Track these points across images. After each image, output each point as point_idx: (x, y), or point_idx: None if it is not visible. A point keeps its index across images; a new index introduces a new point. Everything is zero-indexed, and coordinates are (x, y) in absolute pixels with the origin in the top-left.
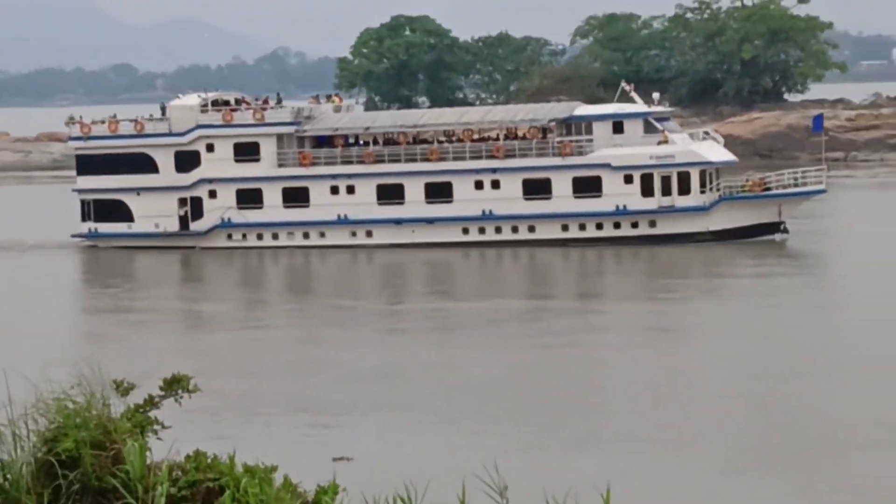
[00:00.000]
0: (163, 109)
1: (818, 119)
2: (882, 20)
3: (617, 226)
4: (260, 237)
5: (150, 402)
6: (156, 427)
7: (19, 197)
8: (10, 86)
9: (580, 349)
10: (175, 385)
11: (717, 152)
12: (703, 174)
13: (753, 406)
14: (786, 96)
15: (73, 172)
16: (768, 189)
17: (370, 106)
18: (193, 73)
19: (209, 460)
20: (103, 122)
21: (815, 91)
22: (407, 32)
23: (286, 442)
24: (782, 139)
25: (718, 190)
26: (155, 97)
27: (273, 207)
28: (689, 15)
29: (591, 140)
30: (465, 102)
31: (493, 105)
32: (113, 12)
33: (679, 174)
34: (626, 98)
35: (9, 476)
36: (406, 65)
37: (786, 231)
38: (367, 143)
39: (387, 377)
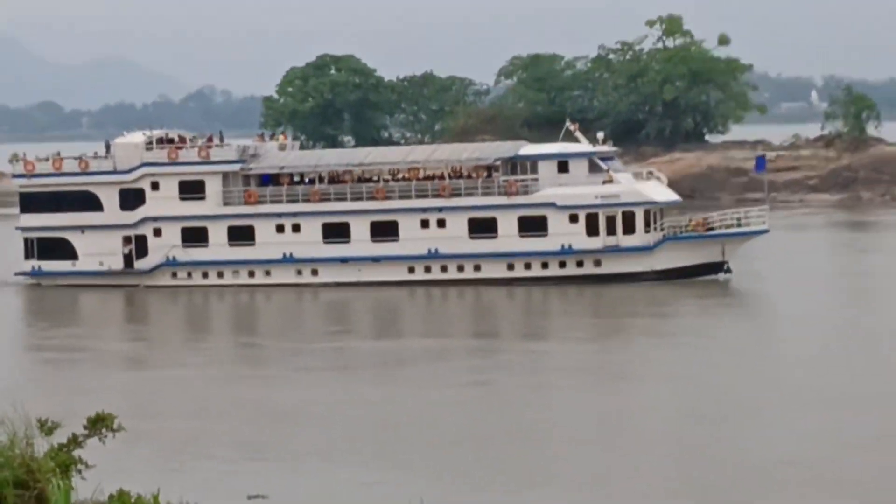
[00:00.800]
0: (107, 147)
1: (761, 160)
2: (801, 63)
3: (562, 265)
4: (205, 275)
5: (75, 442)
6: (80, 466)
7: None
8: None
9: (520, 389)
10: (99, 424)
11: (661, 192)
12: (647, 214)
13: (678, 446)
14: (707, 137)
15: (11, 210)
16: (712, 229)
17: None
18: (119, 111)
19: (132, 499)
20: (47, 159)
21: (736, 132)
22: (332, 71)
23: (206, 479)
24: (703, 180)
25: (663, 229)
26: (80, 135)
27: (218, 246)
28: (611, 56)
29: (536, 179)
30: (390, 141)
31: (418, 144)
32: (38, 50)
33: (624, 214)
34: (570, 137)
35: None
36: (331, 104)
37: (729, 271)
38: (312, 182)
39: (315, 416)
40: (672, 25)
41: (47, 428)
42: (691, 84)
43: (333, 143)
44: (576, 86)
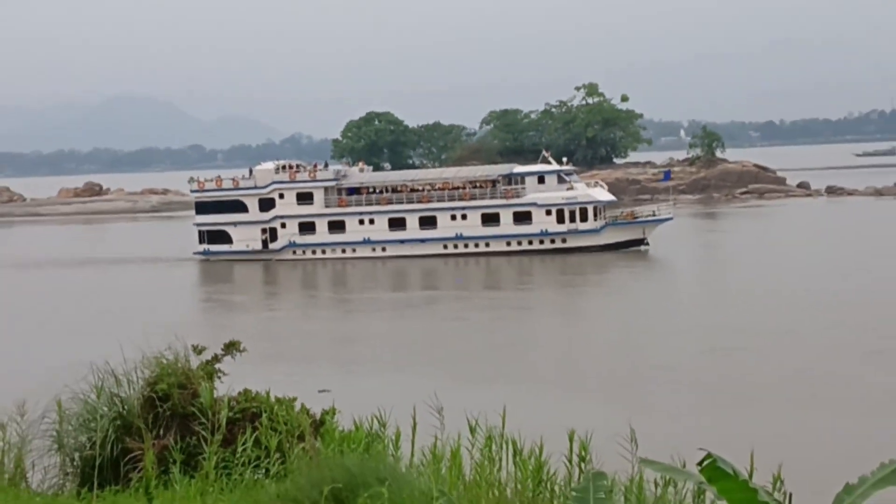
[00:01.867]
0: (250, 172)
1: (667, 173)
2: (674, 111)
3: (541, 242)
4: (314, 252)
5: (215, 359)
6: (219, 374)
7: (135, 231)
8: (122, 159)
9: (514, 316)
10: (231, 348)
11: (604, 195)
12: (596, 209)
13: (604, 357)
14: (615, 160)
15: (189, 212)
16: (636, 217)
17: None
18: (241, 150)
19: (253, 395)
20: (211, 181)
21: (633, 156)
22: (376, 122)
23: (291, 381)
24: (613, 188)
25: (605, 219)
26: (216, 166)
27: (322, 233)
28: (553, 109)
29: (524, 188)
30: (413, 166)
31: (432, 168)
32: (187, 109)
33: (581, 208)
34: (545, 160)
35: (125, 406)
36: (375, 143)
37: (647, 244)
38: (381, 192)
39: (373, 337)
40: (591, 89)
41: (198, 350)
42: (604, 126)
43: (377, 168)
44: (531, 128)
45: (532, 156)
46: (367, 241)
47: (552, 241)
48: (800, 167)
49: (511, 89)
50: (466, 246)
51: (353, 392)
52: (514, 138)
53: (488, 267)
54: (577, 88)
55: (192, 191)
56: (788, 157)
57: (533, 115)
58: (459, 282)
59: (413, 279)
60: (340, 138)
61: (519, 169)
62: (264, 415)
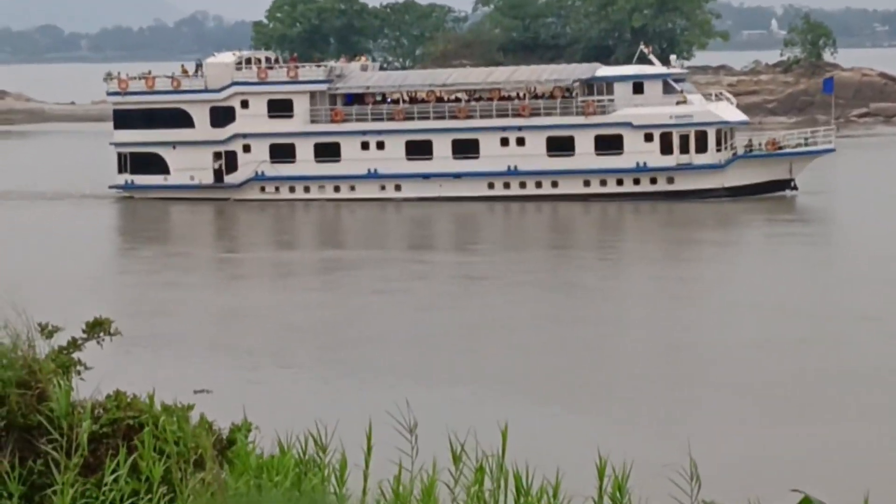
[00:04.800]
0: (197, 67)
1: (828, 81)
2: None
3: (636, 182)
4: (292, 190)
5: (74, 345)
6: (79, 368)
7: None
8: None
9: (597, 301)
10: (97, 328)
11: (731, 112)
12: (719, 133)
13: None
14: (674, 62)
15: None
16: (781, 147)
17: None
18: (116, 34)
19: (129, 399)
20: (140, 78)
21: (700, 58)
22: None
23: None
24: None
25: (733, 148)
26: (79, 57)
27: (305, 162)
28: None
29: (612, 100)
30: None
31: (400, 69)
32: None
33: (697, 133)
34: (643, 58)
35: None
36: (318, 29)
37: (795, 188)
38: (395, 101)
39: (345, 325)
40: None
41: (48, 331)
42: (658, 12)
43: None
44: (549, 12)
45: (550, 53)
46: (372, 175)
47: (653, 182)
48: None
49: None
50: (523, 185)
51: (285, 398)
52: (524, 27)
53: (555, 217)
54: None
55: (110, 93)
56: None
57: None
58: None
59: (440, 234)
60: (266, 20)
61: (605, 71)
62: (146, 430)
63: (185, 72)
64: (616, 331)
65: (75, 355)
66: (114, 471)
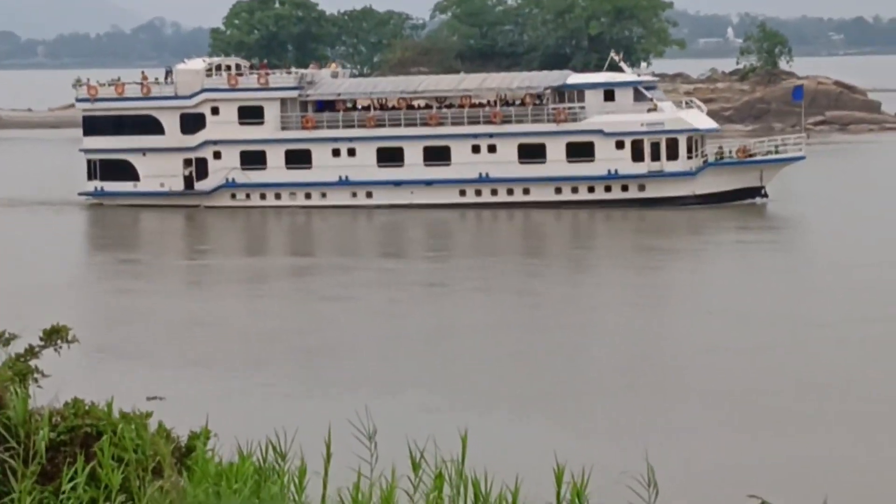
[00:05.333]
0: (167, 73)
1: (798, 89)
2: (718, 0)
3: (608, 189)
4: (263, 197)
5: (31, 352)
6: (36, 375)
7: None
8: None
9: (565, 308)
10: (54, 335)
11: (701, 120)
12: (690, 140)
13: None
14: (629, 70)
15: (73, 132)
16: (751, 155)
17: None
18: (73, 41)
19: (87, 408)
20: (110, 84)
21: (657, 66)
22: (276, 5)
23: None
24: None
25: (704, 156)
26: (36, 63)
27: (276, 168)
28: None
29: (583, 107)
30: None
31: (358, 76)
32: None
33: (668, 140)
34: (614, 65)
35: None
36: (276, 36)
37: (766, 195)
38: (367, 108)
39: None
40: None
41: (5, 339)
42: (615, 20)
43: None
44: (507, 20)
45: (507, 61)
46: (344, 182)
47: (624, 189)
48: None
49: None
50: (495, 193)
51: (245, 405)
52: (482, 34)
53: (526, 224)
54: None
55: (79, 99)
56: (885, 71)
57: (510, 1)
58: None
59: (410, 241)
60: (223, 27)
61: (576, 78)
62: (104, 437)
63: (145, 78)
64: (580, 338)
65: (32, 363)
66: (72, 479)
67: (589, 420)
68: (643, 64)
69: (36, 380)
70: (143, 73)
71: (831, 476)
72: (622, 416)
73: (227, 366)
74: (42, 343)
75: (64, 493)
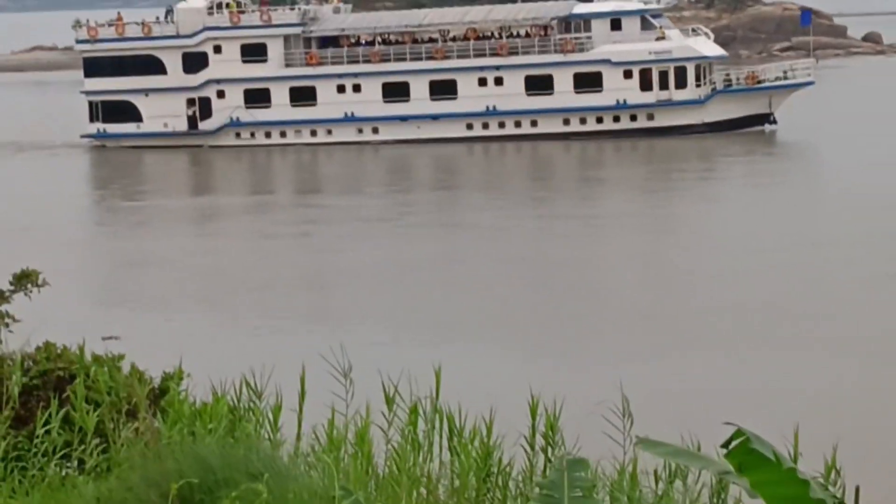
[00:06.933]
0: (167, 13)
1: (806, 14)
2: None
3: (616, 119)
4: (268, 135)
5: (1, 297)
6: (7, 320)
7: None
8: None
9: (573, 237)
10: (24, 280)
11: (709, 47)
12: (698, 68)
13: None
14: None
15: (74, 74)
16: (760, 82)
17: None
18: None
19: (59, 351)
20: (109, 25)
21: None
22: None
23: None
24: None
25: (712, 84)
26: (19, 6)
27: (281, 106)
28: None
29: (590, 37)
30: None
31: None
32: None
33: (676, 69)
34: None
35: None
36: None
37: (774, 122)
38: (371, 43)
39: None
40: None
41: None
42: None
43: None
44: None
45: None
46: (349, 119)
47: (633, 119)
48: (865, 11)
49: None
50: (502, 126)
51: (220, 345)
52: None
53: (534, 156)
54: None
55: (79, 41)
56: None
57: None
58: None
59: (417, 176)
60: None
61: (582, 8)
62: (77, 381)
63: (120, 18)
64: (576, 272)
65: (5, 307)
66: (46, 423)
67: (569, 351)
68: None
69: (7, 324)
70: (118, 13)
71: (805, 401)
72: (594, 345)
73: (224, 305)
74: (12, 287)
75: (38, 437)
